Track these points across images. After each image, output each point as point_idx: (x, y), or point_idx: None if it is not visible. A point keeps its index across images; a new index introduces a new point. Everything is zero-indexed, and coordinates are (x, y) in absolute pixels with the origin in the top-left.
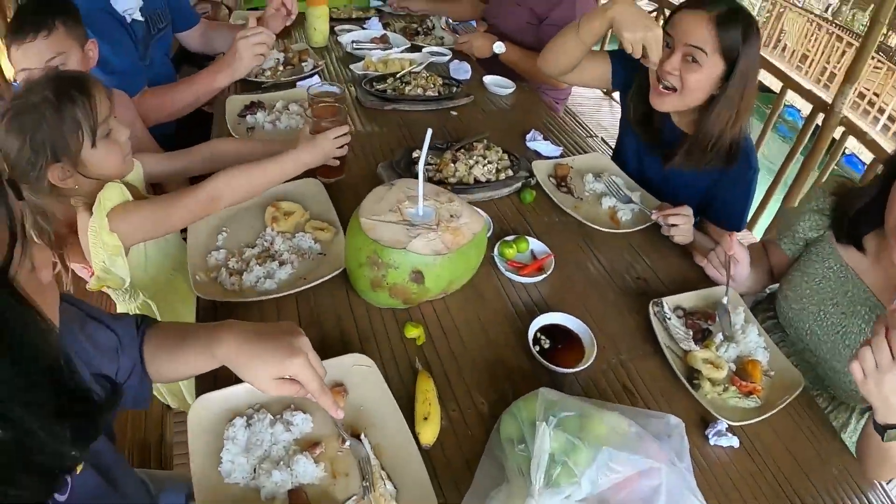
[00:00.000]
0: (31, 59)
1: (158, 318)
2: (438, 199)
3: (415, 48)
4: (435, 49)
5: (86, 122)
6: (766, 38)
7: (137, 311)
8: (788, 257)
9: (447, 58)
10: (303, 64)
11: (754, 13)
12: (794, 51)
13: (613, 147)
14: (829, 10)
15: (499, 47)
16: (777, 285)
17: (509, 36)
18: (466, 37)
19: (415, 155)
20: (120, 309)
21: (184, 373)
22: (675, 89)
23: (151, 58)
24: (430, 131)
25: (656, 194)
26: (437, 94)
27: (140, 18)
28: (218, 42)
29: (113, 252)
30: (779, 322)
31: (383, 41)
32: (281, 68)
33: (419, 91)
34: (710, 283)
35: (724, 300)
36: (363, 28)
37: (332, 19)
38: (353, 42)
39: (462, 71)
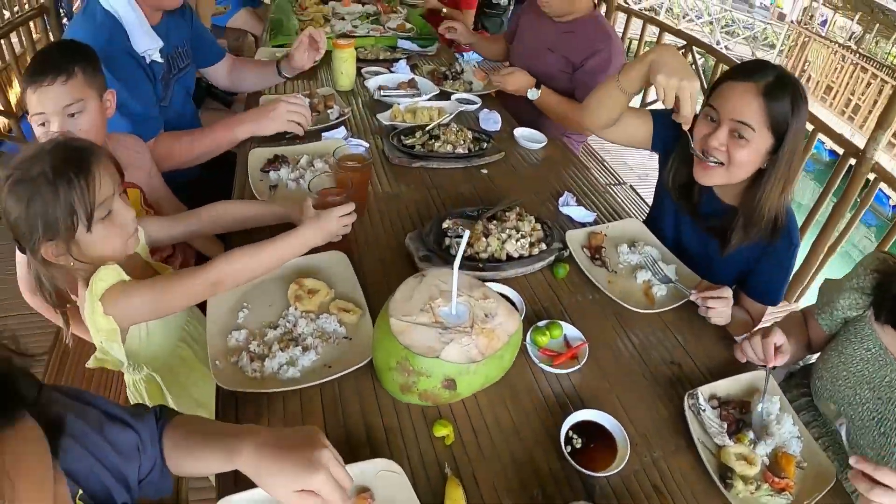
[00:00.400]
0: (47, 104)
1: (164, 390)
2: (472, 296)
3: (443, 94)
4: (464, 96)
5: (81, 206)
6: (791, 69)
7: (143, 383)
8: (826, 333)
9: (476, 106)
10: (328, 112)
11: (778, 44)
12: (818, 82)
13: (649, 206)
14: (853, 38)
15: (533, 94)
16: (814, 357)
17: (540, 82)
18: (507, 70)
19: (445, 226)
20: (126, 379)
21: (202, 471)
22: (721, 164)
23: (172, 97)
24: (466, 234)
25: (692, 262)
26: (467, 151)
27: (160, 60)
28: (244, 80)
29: (108, 336)
30: (812, 400)
31: (411, 86)
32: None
33: (449, 148)
34: (746, 366)
35: (759, 408)
36: (391, 71)
37: (358, 60)
38: (379, 88)
39: (492, 122)
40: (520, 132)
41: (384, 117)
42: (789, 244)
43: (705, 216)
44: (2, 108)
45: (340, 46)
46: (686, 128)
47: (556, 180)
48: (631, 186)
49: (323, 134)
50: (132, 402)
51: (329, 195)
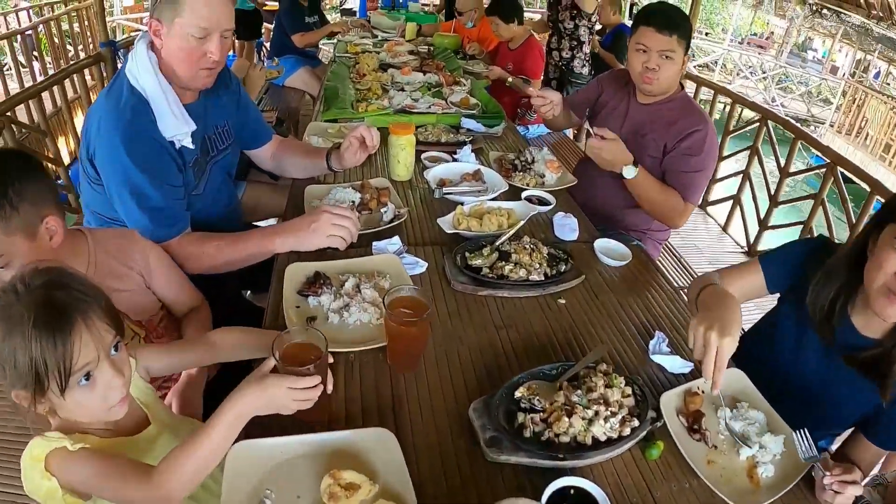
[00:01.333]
0: None
1: None
2: None
3: (512, 189)
4: (536, 193)
5: (54, 369)
6: (849, 127)
7: None
8: None
9: (550, 207)
10: (382, 210)
11: (835, 100)
12: (876, 140)
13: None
14: None
15: (630, 172)
16: None
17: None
18: (610, 137)
19: (518, 394)
20: None
21: None
22: None
23: (207, 184)
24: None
25: (804, 392)
26: (542, 278)
27: (190, 146)
28: (289, 166)
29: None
30: None
31: (476, 178)
32: (357, 213)
33: (522, 273)
34: None
35: None
36: (453, 158)
37: (418, 142)
38: (440, 185)
39: (568, 229)
40: (602, 245)
41: (445, 223)
42: None
43: (842, 346)
44: (51, 156)
45: (399, 133)
46: (714, 392)
47: (644, 309)
48: None
49: (374, 245)
50: None
51: (296, 355)
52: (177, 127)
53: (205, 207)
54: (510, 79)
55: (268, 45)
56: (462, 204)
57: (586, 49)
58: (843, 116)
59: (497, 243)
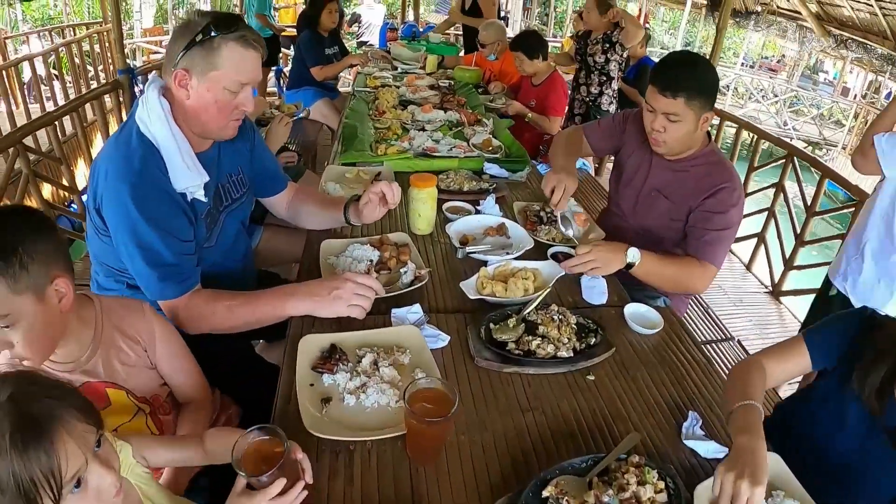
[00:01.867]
0: None
1: None
2: None
3: (537, 244)
4: (562, 250)
5: (45, 485)
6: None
7: None
8: None
9: None
10: (401, 271)
11: (847, 123)
12: None
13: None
14: None
15: (633, 255)
16: None
17: (644, 231)
18: (589, 248)
19: (546, 494)
20: None
21: None
22: None
23: (219, 235)
24: None
25: (841, 469)
26: (571, 354)
27: (203, 199)
28: (304, 216)
29: None
30: None
31: (500, 232)
32: (375, 273)
33: (550, 349)
34: None
35: None
36: (476, 209)
37: (440, 190)
38: (462, 241)
39: (597, 291)
40: (632, 312)
41: (469, 288)
42: None
43: (886, 426)
44: (66, 184)
45: (421, 185)
46: None
47: (675, 383)
48: None
49: (393, 313)
50: None
51: (259, 457)
52: (189, 179)
53: (217, 261)
54: (530, 114)
55: (286, 70)
56: (486, 264)
57: (615, 85)
58: (854, 138)
59: (524, 313)
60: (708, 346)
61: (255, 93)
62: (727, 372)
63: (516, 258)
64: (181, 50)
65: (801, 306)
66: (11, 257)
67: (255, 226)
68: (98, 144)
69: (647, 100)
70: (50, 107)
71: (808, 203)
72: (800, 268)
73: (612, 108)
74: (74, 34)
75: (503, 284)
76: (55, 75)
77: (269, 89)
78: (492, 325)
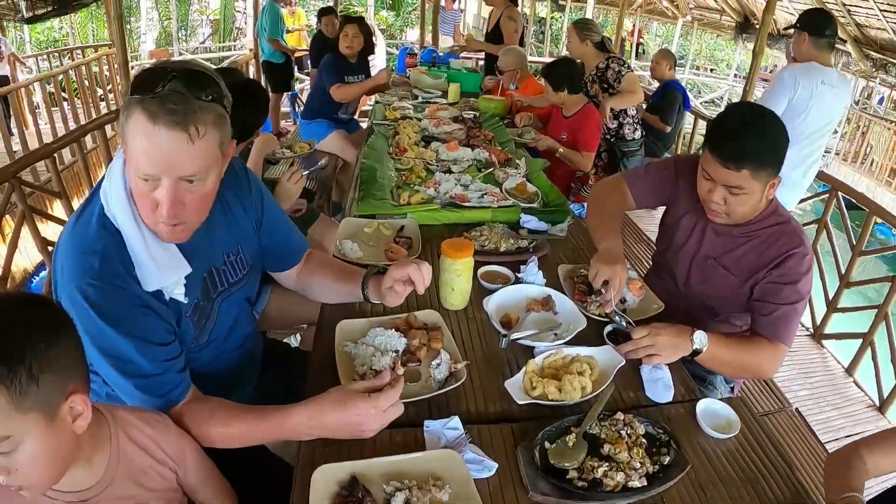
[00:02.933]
0: None
1: None
2: None
3: (590, 323)
4: (619, 328)
5: None
6: (854, 155)
7: None
8: None
9: None
10: (434, 363)
11: (840, 129)
12: (881, 165)
13: None
14: None
15: (700, 340)
16: None
17: (700, 303)
18: (648, 332)
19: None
20: None
21: None
22: None
23: (214, 326)
24: None
25: None
26: (644, 482)
27: (183, 300)
28: (316, 288)
29: None
30: None
31: (546, 306)
32: (399, 368)
33: (620, 478)
34: None
35: None
36: (516, 275)
37: (476, 252)
38: (504, 321)
39: (662, 386)
40: (705, 409)
41: (515, 388)
42: None
43: None
44: (63, 218)
45: (455, 256)
46: None
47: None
48: None
49: (426, 427)
50: None
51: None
52: (160, 278)
53: (209, 360)
54: (561, 149)
55: (302, 96)
56: (533, 351)
57: (632, 111)
58: (847, 144)
59: (584, 427)
60: (765, 418)
61: (268, 126)
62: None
63: (567, 343)
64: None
65: (844, 351)
66: (17, 366)
67: (262, 285)
68: (101, 172)
69: (703, 166)
70: (61, 127)
71: (854, 241)
72: (844, 310)
73: (637, 135)
74: (83, 55)
75: (556, 383)
76: (64, 98)
77: (283, 109)
78: (547, 444)
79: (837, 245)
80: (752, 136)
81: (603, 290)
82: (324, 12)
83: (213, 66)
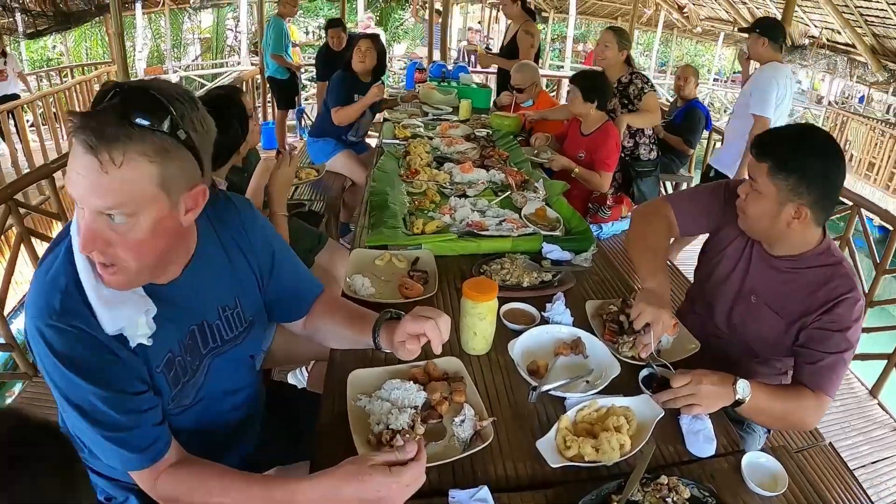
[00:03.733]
0: None
1: None
2: None
3: (624, 367)
4: (655, 372)
5: None
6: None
7: None
8: None
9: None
10: (457, 420)
11: (820, 124)
12: (860, 160)
13: None
14: (891, 110)
15: (743, 389)
16: None
17: (750, 345)
18: (688, 380)
19: None
20: None
21: None
22: None
23: (205, 383)
24: None
25: None
26: None
27: (147, 342)
28: (323, 333)
29: None
30: None
31: (576, 350)
32: (420, 427)
33: None
34: None
35: None
36: (543, 317)
37: (501, 287)
38: (531, 369)
39: (703, 438)
40: (750, 464)
41: (548, 450)
42: None
43: None
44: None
45: (478, 299)
46: None
47: None
48: None
49: (451, 497)
50: None
51: None
52: (114, 319)
53: (201, 421)
54: (577, 169)
55: (309, 112)
56: (564, 402)
57: (648, 131)
58: None
59: (626, 495)
60: (801, 456)
61: (273, 143)
62: None
63: (601, 392)
64: None
65: (868, 371)
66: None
67: None
68: None
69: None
70: (65, 145)
71: (878, 258)
72: (867, 330)
73: (653, 156)
74: (84, 73)
75: (592, 441)
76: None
77: (289, 121)
78: None
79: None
80: (795, 140)
81: (642, 332)
82: (331, 24)
83: (208, 83)
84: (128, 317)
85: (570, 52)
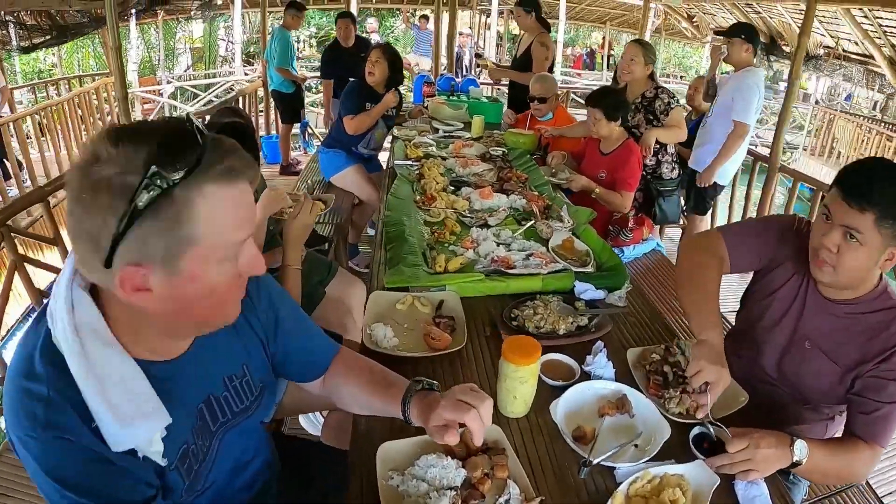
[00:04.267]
0: None
1: None
2: None
3: (673, 427)
4: (706, 432)
5: None
6: (820, 149)
7: None
8: None
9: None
10: (501, 501)
11: (806, 124)
12: (847, 157)
13: None
14: (877, 106)
15: (800, 451)
16: None
17: (801, 392)
18: (745, 444)
19: None
20: None
21: None
22: None
23: (216, 463)
24: None
25: None
26: None
27: (161, 462)
28: (347, 399)
29: None
30: None
31: (622, 409)
32: None
33: None
34: None
35: None
36: (583, 370)
37: (535, 335)
38: (576, 435)
39: (753, 496)
40: None
41: None
42: None
43: None
44: (58, 266)
45: (519, 362)
46: None
47: None
48: None
49: None
50: None
51: None
52: (131, 437)
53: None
54: (597, 189)
55: (313, 127)
56: (614, 472)
57: (671, 149)
58: (814, 140)
59: None
60: (839, 498)
61: (277, 157)
62: None
63: (653, 459)
64: (112, 232)
65: None
66: None
67: None
68: None
69: (825, 204)
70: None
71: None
72: None
73: (675, 174)
74: (80, 85)
75: None
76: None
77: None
78: None
79: None
80: (887, 179)
81: (698, 389)
82: (341, 16)
83: (202, 94)
84: (142, 437)
85: (560, 57)
